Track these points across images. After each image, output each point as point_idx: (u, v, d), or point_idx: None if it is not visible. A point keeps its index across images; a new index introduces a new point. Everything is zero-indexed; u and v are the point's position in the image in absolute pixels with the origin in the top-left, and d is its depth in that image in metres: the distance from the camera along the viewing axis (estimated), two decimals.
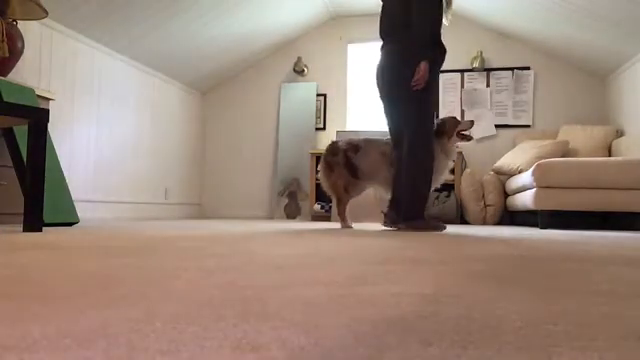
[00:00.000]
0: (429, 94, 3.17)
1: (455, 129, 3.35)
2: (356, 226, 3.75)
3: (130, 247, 1.56)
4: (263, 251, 1.51)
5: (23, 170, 2.76)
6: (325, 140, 6.28)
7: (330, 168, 3.50)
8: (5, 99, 2.88)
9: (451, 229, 3.55)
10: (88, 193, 4.57)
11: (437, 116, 3.82)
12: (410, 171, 3.14)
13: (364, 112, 6.37)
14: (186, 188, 6.33)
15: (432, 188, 3.27)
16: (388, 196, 3.41)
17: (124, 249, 1.49)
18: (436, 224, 3.19)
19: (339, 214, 3.58)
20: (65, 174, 3.45)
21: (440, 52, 3.21)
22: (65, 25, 4.26)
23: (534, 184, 4.04)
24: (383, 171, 3.40)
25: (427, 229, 3.09)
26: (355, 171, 3.46)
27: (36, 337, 0.47)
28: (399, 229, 3.21)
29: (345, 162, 3.47)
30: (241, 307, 0.63)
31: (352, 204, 3.61)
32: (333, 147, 3.56)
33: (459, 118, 5.90)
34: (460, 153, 5.57)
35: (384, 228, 3.39)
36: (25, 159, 2.61)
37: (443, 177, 3.44)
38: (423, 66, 3.04)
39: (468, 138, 3.43)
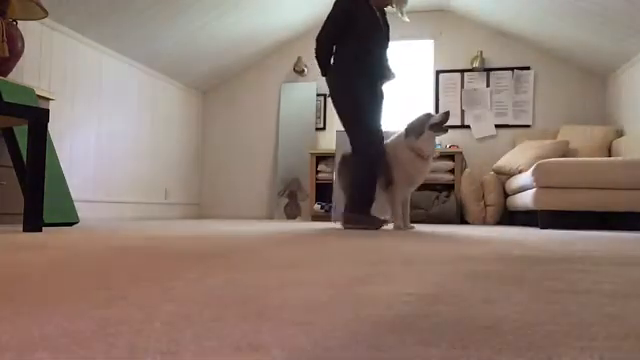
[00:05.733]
0: None
1: (425, 125, 3.25)
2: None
3: (130, 247, 1.56)
4: (263, 251, 1.51)
5: (23, 170, 2.76)
6: (325, 140, 6.28)
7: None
8: (5, 99, 2.88)
9: (451, 229, 3.55)
10: (88, 193, 4.56)
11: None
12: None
13: None
14: (186, 188, 6.33)
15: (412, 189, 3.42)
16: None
17: (124, 249, 1.49)
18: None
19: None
20: (65, 174, 3.45)
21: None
22: (65, 25, 4.26)
23: (534, 184, 4.04)
24: None
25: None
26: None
27: (36, 337, 0.47)
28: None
29: None
30: (241, 307, 0.63)
31: None
32: None
33: (459, 117, 5.97)
34: (460, 153, 5.57)
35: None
36: (25, 159, 2.61)
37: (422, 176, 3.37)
38: None
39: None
